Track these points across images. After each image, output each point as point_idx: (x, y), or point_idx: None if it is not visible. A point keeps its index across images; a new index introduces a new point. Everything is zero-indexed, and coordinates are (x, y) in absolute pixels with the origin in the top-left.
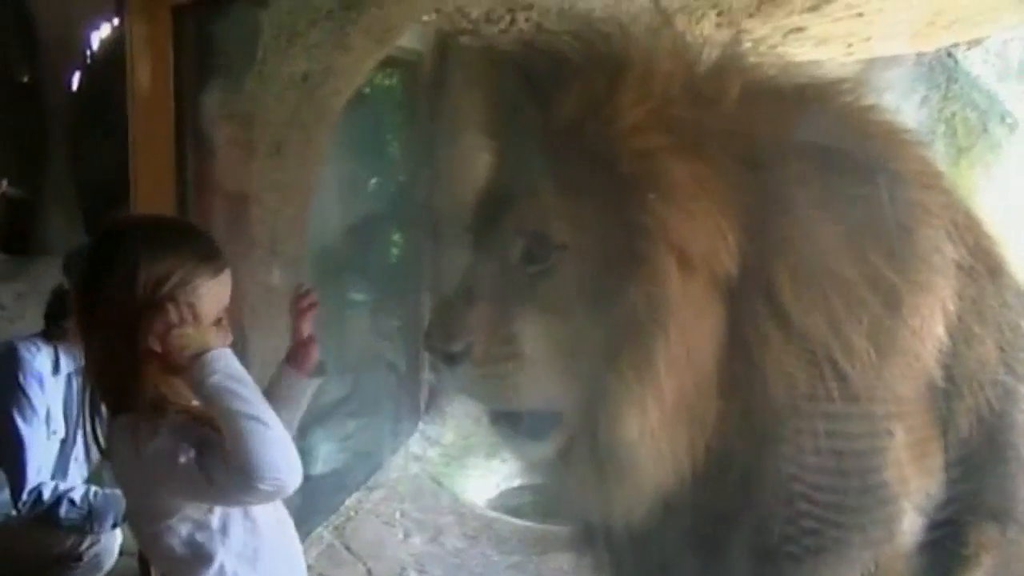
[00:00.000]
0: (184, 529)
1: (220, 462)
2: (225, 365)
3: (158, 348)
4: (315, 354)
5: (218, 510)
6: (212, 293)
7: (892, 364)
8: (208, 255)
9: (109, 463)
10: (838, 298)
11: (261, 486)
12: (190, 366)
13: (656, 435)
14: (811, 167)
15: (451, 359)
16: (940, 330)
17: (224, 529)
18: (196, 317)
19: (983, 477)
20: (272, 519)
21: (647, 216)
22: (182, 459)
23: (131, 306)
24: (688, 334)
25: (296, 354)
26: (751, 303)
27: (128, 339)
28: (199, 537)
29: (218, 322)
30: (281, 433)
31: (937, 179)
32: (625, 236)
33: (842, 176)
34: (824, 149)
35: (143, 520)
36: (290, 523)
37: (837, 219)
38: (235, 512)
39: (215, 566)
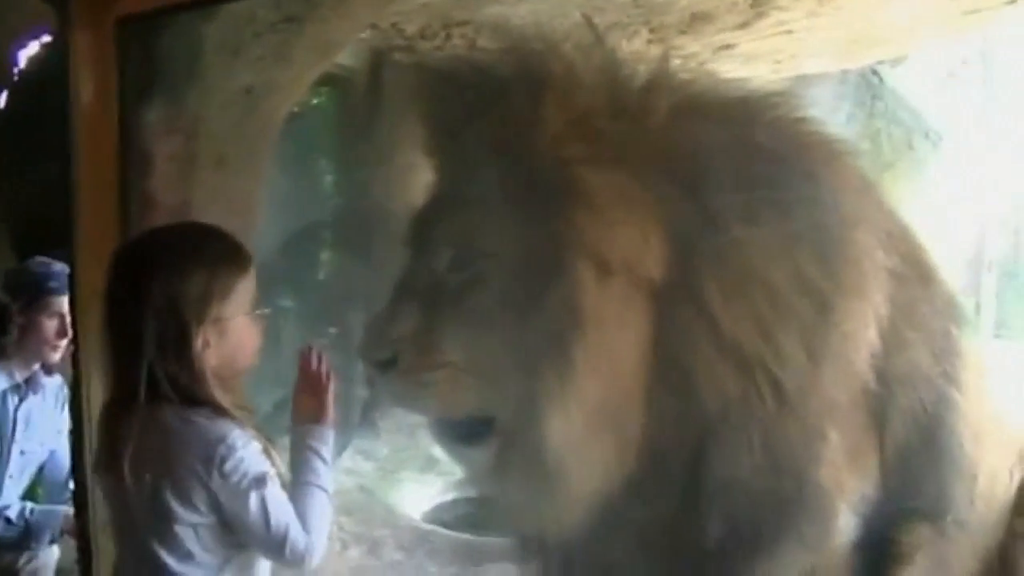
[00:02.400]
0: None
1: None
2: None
3: (214, 362)
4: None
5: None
6: (245, 288)
7: (825, 369)
8: (235, 256)
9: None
10: (768, 305)
11: (308, 560)
12: (305, 430)
13: (581, 439)
14: (742, 179)
15: (381, 367)
16: (873, 335)
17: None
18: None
19: (919, 478)
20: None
21: (564, 224)
22: (257, 494)
23: (177, 325)
24: (609, 339)
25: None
26: (680, 312)
27: (184, 346)
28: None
29: (255, 308)
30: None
31: (870, 188)
32: (545, 244)
33: (773, 186)
34: (756, 160)
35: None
36: None
37: (768, 229)
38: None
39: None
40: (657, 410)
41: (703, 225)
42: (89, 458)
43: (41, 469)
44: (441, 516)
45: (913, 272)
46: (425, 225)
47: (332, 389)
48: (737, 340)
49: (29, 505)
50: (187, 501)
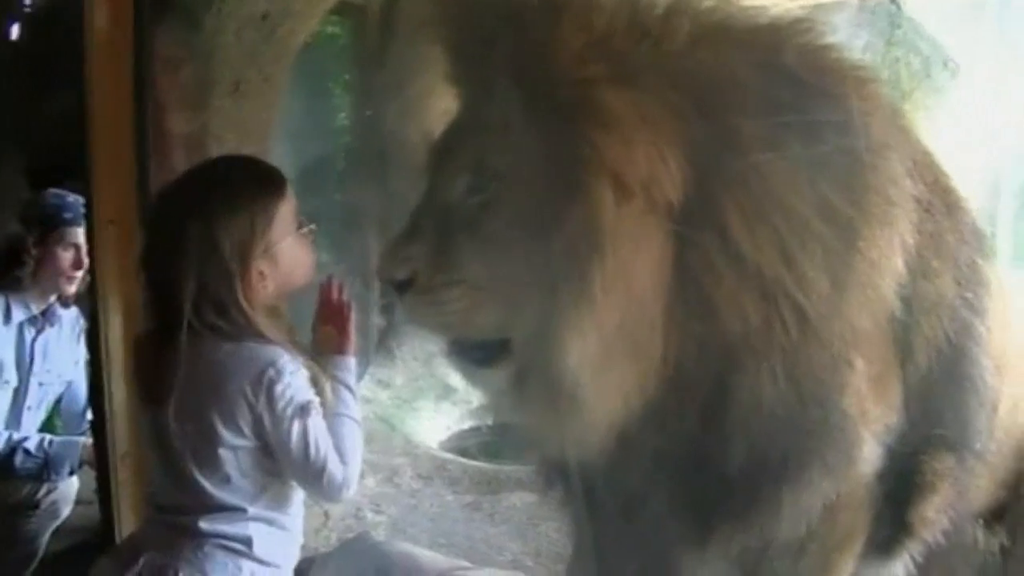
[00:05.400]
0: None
1: (324, 446)
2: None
3: (272, 289)
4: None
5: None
6: (286, 211)
7: (849, 296)
8: (272, 183)
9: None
10: (791, 232)
11: (345, 492)
12: (328, 360)
13: (600, 363)
14: (766, 103)
15: (399, 288)
16: (899, 263)
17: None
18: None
19: (941, 408)
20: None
21: (583, 144)
22: (300, 422)
23: (223, 264)
24: (626, 261)
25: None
26: (701, 238)
27: (234, 282)
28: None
29: (301, 225)
30: None
31: (896, 116)
32: (562, 164)
33: (799, 111)
34: (781, 85)
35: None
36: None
37: (792, 154)
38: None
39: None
40: (678, 336)
41: (725, 149)
42: (108, 390)
43: (58, 401)
44: (457, 445)
45: (939, 201)
46: (443, 151)
47: (353, 318)
48: (759, 266)
49: (48, 436)
50: (232, 423)
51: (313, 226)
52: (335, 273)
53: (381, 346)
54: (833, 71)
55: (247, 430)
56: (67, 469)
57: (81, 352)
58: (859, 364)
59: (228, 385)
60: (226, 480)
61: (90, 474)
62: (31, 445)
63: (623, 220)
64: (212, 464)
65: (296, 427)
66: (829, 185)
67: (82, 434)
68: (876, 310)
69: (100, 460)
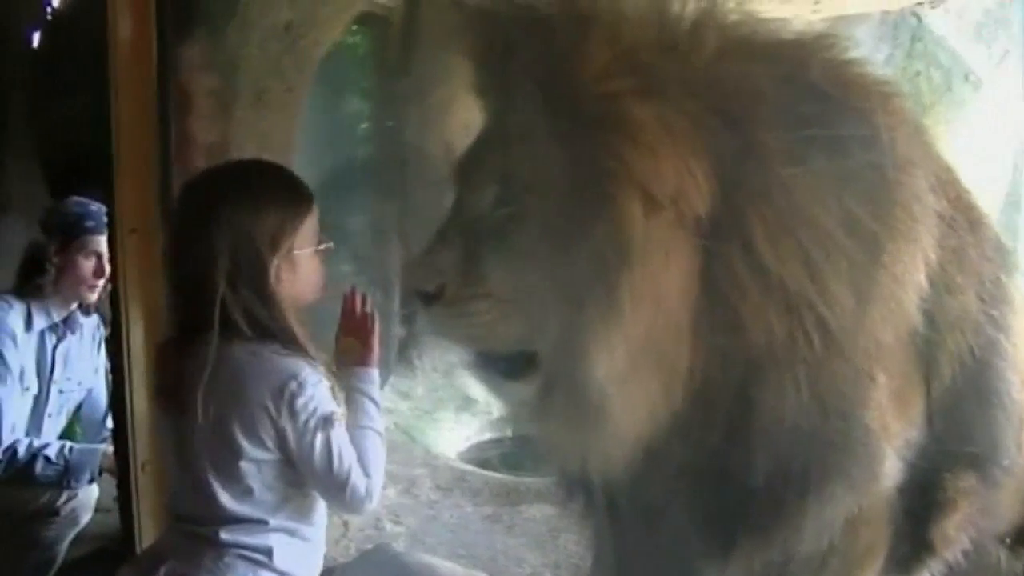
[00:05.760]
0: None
1: (348, 457)
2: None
3: (291, 291)
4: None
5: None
6: (311, 224)
7: (873, 310)
8: (302, 193)
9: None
10: (816, 246)
11: (368, 504)
12: (352, 372)
13: (626, 376)
14: (792, 117)
15: (426, 299)
16: (922, 278)
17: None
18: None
19: (965, 424)
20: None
21: (611, 157)
22: (323, 434)
23: (253, 256)
24: (655, 275)
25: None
26: (727, 252)
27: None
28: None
29: (321, 242)
30: None
31: (920, 131)
32: (591, 178)
33: (825, 125)
34: (807, 100)
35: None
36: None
37: (817, 169)
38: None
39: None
40: (703, 348)
41: (750, 163)
42: (130, 398)
43: (79, 408)
44: (476, 456)
45: (962, 217)
46: (470, 162)
47: (377, 330)
48: (783, 279)
49: (68, 444)
50: (254, 436)
51: (331, 244)
52: (357, 284)
53: (401, 357)
54: (858, 85)
55: (270, 443)
56: (87, 476)
57: (101, 359)
58: (881, 378)
59: (250, 395)
60: (248, 492)
61: (110, 482)
62: (51, 452)
63: (651, 233)
64: (234, 476)
65: (319, 439)
66: (854, 199)
67: (102, 442)
68: (899, 324)
69: (120, 468)
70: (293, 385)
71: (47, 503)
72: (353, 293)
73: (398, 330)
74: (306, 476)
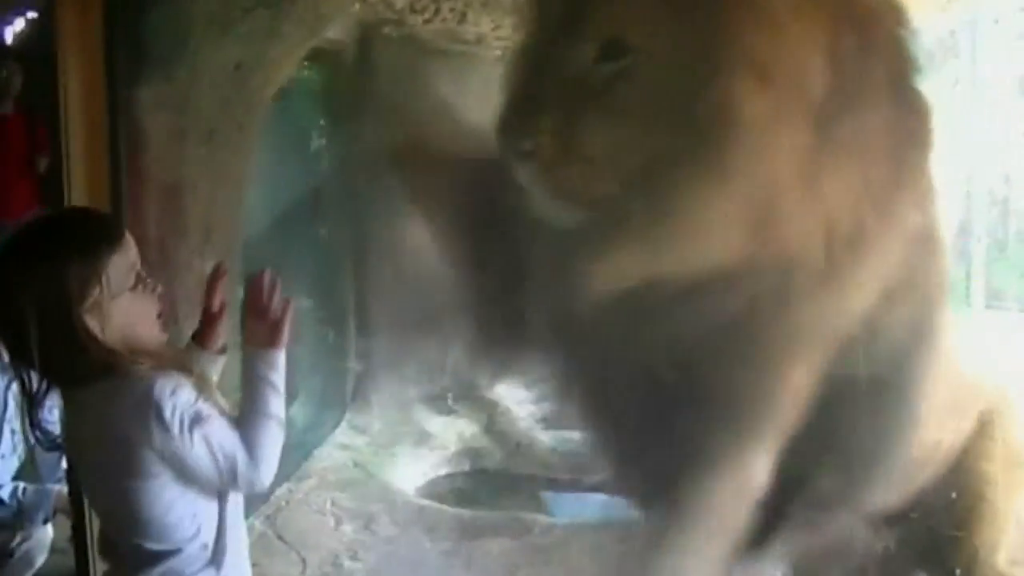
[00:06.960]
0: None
1: (230, 446)
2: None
3: (115, 341)
4: (221, 331)
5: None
6: (119, 266)
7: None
8: (100, 238)
9: (65, 437)
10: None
11: (257, 486)
12: (255, 354)
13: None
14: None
15: (522, 157)
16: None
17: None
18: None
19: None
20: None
21: (730, 31)
22: (198, 433)
23: (63, 303)
24: (761, 146)
25: (202, 331)
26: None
27: (66, 326)
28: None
29: (139, 281)
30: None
31: None
32: (705, 45)
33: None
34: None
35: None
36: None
37: None
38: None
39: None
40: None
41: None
42: None
43: (32, 448)
44: (434, 491)
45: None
46: (569, 19)
47: (287, 312)
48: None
49: (22, 485)
50: (136, 465)
51: (156, 283)
52: (313, 320)
53: (358, 392)
54: None
55: (154, 468)
56: (41, 517)
57: (55, 399)
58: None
59: (117, 434)
60: (152, 522)
61: (65, 523)
62: (4, 493)
63: (765, 109)
64: (131, 515)
65: (197, 438)
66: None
67: (56, 482)
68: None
69: (75, 508)
70: (152, 410)
71: (1, 544)
72: (261, 275)
73: (354, 365)
74: (195, 474)
